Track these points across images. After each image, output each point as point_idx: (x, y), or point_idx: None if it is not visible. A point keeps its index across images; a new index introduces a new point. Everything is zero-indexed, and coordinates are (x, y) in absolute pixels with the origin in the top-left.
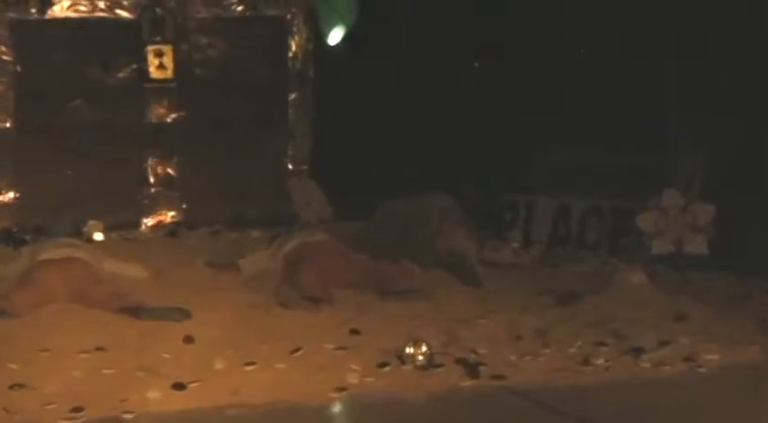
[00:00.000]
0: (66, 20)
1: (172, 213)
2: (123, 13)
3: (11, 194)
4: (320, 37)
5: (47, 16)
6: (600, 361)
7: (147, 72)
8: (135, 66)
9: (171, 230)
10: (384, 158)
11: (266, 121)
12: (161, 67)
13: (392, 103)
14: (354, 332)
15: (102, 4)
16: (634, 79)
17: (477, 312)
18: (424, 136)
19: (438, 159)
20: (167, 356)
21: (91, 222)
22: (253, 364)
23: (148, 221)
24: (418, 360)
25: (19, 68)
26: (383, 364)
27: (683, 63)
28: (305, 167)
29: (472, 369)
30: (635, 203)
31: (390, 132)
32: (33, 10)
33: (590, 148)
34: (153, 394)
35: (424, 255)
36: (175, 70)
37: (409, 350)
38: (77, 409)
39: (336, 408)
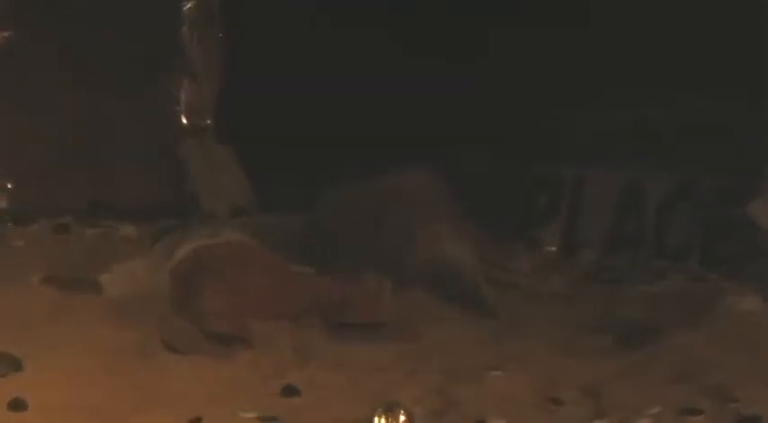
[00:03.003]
0: None
1: None
2: None
3: None
4: None
5: None
6: None
7: None
8: None
9: None
10: (336, 112)
11: (146, 49)
12: None
13: (348, 24)
14: (290, 392)
15: None
16: None
17: (486, 360)
18: (399, 77)
19: (420, 114)
20: None
21: None
22: None
23: None
24: None
25: None
26: None
27: None
28: (208, 123)
29: None
30: (746, 182)
31: (346, 69)
32: None
33: (672, 94)
34: None
35: (399, 267)
36: None
37: (380, 421)
38: None
39: None
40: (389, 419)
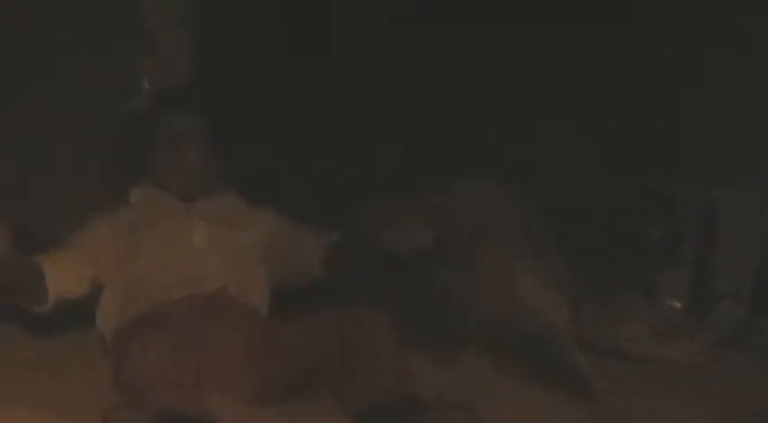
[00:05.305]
0: None
1: None
2: None
3: None
4: None
5: None
6: None
7: None
8: None
9: None
10: (366, 81)
11: None
12: None
13: None
14: None
15: None
16: None
17: None
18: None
19: (486, 99)
20: None
21: None
22: None
23: None
24: None
25: None
26: None
27: None
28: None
29: None
30: None
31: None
32: None
33: None
34: None
35: (449, 322)
36: None
37: None
38: None
39: None
40: None
